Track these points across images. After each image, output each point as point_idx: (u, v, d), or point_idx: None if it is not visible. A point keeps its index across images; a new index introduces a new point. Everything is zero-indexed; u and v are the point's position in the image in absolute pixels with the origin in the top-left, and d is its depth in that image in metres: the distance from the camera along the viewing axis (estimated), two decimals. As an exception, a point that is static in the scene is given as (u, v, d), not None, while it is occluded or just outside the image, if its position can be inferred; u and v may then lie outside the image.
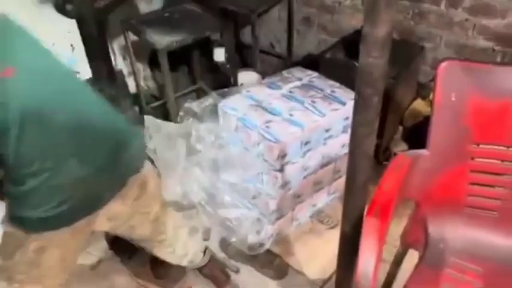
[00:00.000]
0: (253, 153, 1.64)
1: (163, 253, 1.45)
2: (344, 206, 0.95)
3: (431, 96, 2.12)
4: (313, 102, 1.69)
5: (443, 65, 1.13)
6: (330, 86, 1.79)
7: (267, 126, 1.58)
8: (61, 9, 1.77)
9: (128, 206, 1.17)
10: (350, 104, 1.68)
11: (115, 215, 1.16)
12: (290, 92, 1.76)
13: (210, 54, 2.60)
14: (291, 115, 1.63)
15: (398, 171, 1.08)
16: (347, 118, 1.70)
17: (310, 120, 1.61)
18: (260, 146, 1.59)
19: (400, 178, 1.07)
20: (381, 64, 0.74)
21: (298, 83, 1.82)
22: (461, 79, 1.13)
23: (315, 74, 1.89)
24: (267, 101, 1.71)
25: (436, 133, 1.15)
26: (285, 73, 1.91)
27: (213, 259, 1.63)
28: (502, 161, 1.18)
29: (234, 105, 1.70)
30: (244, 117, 1.63)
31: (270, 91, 1.77)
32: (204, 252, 1.58)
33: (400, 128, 2.19)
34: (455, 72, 1.14)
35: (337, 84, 1.79)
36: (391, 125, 2.07)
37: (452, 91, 1.14)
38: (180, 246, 1.46)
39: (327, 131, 1.67)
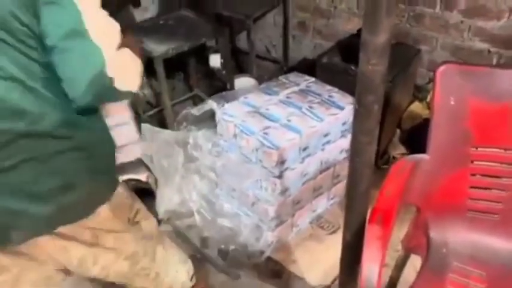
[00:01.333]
0: (252, 159, 1.63)
1: (145, 284, 1.25)
2: (346, 213, 0.94)
3: (428, 98, 2.15)
4: (311, 107, 1.68)
5: (442, 68, 1.12)
6: (327, 91, 1.78)
7: (265, 133, 1.57)
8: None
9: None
10: (348, 109, 1.69)
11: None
12: (287, 97, 1.76)
13: (205, 60, 2.60)
14: (288, 121, 1.62)
15: (399, 177, 1.08)
16: (345, 123, 1.69)
17: (308, 126, 1.61)
18: (259, 153, 1.58)
19: (401, 183, 1.06)
20: (381, 71, 0.73)
21: (295, 89, 1.81)
22: (460, 82, 1.13)
23: (312, 79, 1.88)
24: (265, 107, 1.70)
25: (436, 137, 1.15)
26: (282, 78, 1.90)
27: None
28: (501, 163, 1.17)
29: (231, 112, 1.69)
30: (242, 124, 1.62)
31: (267, 97, 1.77)
32: (191, 278, 1.41)
33: (398, 131, 2.19)
34: (453, 76, 1.13)
35: (335, 89, 1.79)
36: (389, 129, 2.07)
37: (451, 94, 1.13)
38: (168, 276, 1.28)
39: (325, 136, 1.67)
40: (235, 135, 1.65)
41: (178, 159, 1.88)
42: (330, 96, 1.75)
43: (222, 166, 1.76)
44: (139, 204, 1.15)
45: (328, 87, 1.81)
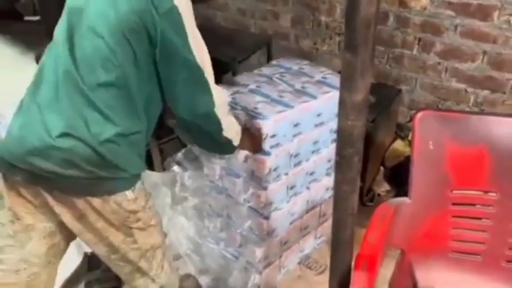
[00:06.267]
0: (239, 200, 1.63)
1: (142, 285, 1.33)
2: (331, 261, 0.96)
3: (410, 137, 2.21)
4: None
5: (419, 115, 1.17)
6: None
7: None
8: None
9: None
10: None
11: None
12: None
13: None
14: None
15: (382, 221, 1.10)
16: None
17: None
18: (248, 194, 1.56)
19: (385, 228, 1.08)
20: (359, 125, 0.77)
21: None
22: (437, 128, 1.17)
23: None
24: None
25: (417, 181, 1.18)
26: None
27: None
28: (482, 205, 1.21)
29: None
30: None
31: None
32: None
33: (382, 168, 2.23)
34: (431, 122, 1.18)
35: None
36: (373, 167, 2.10)
37: (429, 139, 1.18)
38: (163, 279, 1.35)
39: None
40: (221, 177, 1.65)
41: (166, 200, 1.88)
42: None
43: (208, 207, 1.77)
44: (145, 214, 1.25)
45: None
